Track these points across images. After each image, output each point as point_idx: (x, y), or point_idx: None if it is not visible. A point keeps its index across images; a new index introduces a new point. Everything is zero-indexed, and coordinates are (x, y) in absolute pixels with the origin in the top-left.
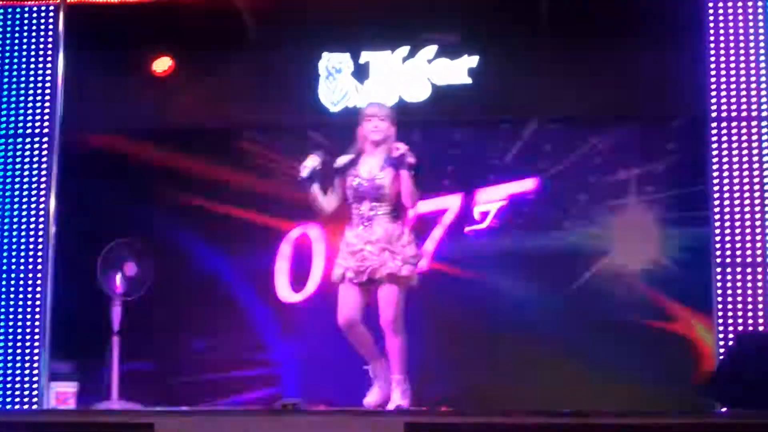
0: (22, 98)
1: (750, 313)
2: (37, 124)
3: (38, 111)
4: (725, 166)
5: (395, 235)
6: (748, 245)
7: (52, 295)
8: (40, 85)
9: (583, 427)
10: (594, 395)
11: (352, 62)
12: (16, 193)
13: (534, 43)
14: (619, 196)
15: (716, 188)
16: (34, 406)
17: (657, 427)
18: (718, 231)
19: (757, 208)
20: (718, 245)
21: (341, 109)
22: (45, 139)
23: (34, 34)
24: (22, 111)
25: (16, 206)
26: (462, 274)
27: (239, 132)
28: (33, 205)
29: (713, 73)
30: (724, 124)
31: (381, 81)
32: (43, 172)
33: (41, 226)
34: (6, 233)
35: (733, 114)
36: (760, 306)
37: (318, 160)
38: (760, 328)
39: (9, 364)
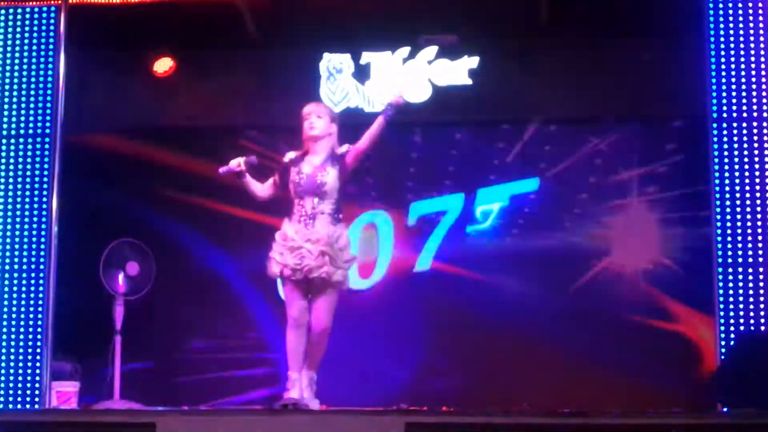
0: (23, 98)
1: (751, 313)
2: (38, 124)
3: (39, 111)
4: (726, 167)
5: (335, 238)
6: (750, 245)
7: (53, 295)
8: (41, 85)
9: (583, 427)
10: (594, 395)
11: (352, 63)
12: (18, 193)
13: (534, 43)
14: (621, 196)
15: (717, 188)
16: (36, 406)
17: (657, 427)
18: (719, 231)
19: (759, 209)
20: (719, 245)
21: (342, 110)
22: (45, 139)
23: (35, 34)
24: (23, 111)
25: (18, 206)
26: (463, 274)
27: (239, 132)
28: (35, 206)
29: (714, 73)
30: (725, 124)
31: (382, 82)
32: (45, 172)
33: (43, 226)
34: (8, 233)
35: (734, 114)
36: (762, 306)
37: (239, 162)
38: (762, 328)
39: (11, 364)
